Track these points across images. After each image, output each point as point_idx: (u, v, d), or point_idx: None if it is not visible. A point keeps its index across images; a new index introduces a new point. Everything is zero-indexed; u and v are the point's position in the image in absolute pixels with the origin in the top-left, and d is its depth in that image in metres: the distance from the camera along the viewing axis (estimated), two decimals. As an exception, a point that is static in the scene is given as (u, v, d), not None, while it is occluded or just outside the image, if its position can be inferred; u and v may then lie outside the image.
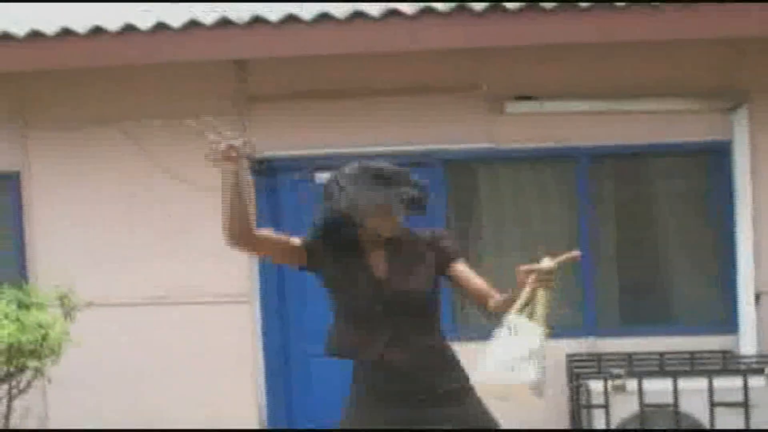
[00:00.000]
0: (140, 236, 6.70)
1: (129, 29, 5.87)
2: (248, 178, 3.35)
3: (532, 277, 3.04)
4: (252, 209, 3.32)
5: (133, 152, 6.67)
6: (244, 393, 6.69)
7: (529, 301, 3.10)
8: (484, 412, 3.38)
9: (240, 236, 3.26)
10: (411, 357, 3.24)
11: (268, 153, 6.52)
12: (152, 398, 6.67)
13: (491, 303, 3.24)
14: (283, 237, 3.34)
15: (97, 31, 5.88)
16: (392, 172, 3.28)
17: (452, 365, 3.37)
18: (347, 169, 3.29)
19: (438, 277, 3.35)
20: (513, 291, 3.12)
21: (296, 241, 3.35)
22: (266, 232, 3.36)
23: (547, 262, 3.09)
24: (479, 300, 3.30)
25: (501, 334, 3.10)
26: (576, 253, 3.13)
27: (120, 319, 6.67)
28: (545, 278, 3.04)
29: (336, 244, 3.32)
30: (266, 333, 6.72)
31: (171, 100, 6.63)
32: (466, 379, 3.33)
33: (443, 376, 3.31)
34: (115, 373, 6.68)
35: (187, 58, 6.10)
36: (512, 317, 3.09)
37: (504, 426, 3.53)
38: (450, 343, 3.45)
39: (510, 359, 3.03)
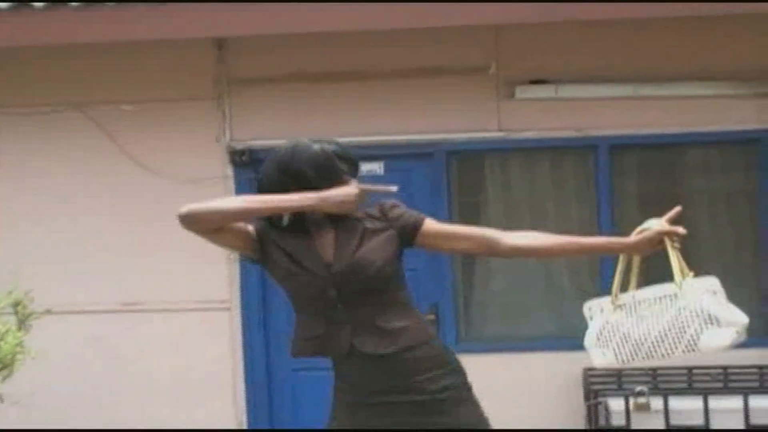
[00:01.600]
0: (108, 235, 6.63)
1: (94, 2, 5.74)
2: None
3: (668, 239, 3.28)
4: None
5: (100, 141, 6.60)
6: (224, 409, 6.64)
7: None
8: (480, 418, 3.29)
9: (210, 229, 3.20)
10: (384, 341, 3.15)
11: (251, 142, 6.52)
12: (122, 416, 6.60)
13: (552, 243, 3.33)
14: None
15: (57, 3, 5.74)
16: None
17: (441, 361, 3.25)
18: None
19: (399, 252, 3.27)
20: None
21: (249, 226, 3.27)
22: None
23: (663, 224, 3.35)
24: (491, 246, 3.27)
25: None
26: (678, 208, 3.37)
27: (85, 328, 6.60)
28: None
29: (279, 228, 3.25)
30: (248, 344, 6.68)
31: (143, 83, 6.58)
32: (464, 379, 3.27)
33: (433, 371, 3.20)
34: (80, 389, 6.61)
35: (160, 36, 6.06)
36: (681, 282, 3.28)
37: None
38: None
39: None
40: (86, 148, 6.61)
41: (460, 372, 3.28)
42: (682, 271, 3.26)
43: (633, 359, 3.26)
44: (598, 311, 3.35)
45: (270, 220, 3.24)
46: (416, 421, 3.16)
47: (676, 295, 3.22)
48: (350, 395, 3.25)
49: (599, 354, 3.30)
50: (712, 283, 3.26)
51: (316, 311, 3.23)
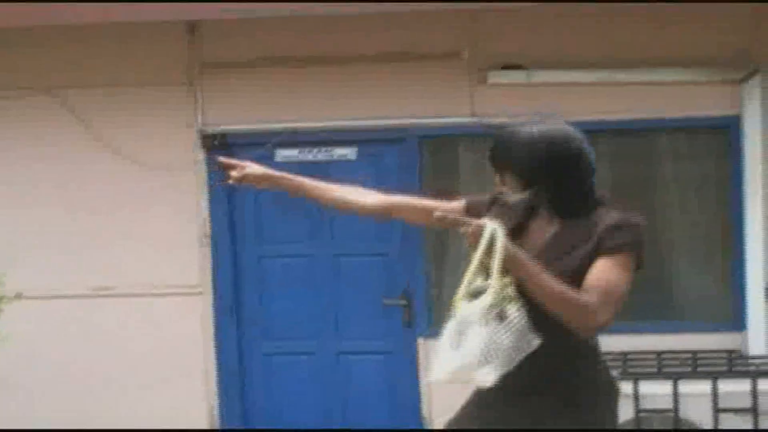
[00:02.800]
0: (79, 220, 6.57)
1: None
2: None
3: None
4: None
5: (71, 125, 6.53)
6: (196, 393, 6.61)
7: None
8: None
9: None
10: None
11: (224, 127, 6.49)
12: (93, 400, 6.57)
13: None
14: None
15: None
16: None
17: None
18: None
19: None
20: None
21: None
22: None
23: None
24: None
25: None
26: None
27: (56, 313, 6.56)
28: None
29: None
30: (220, 328, 6.63)
31: (114, 68, 6.51)
32: None
33: None
34: (51, 374, 6.57)
35: (131, 18, 5.99)
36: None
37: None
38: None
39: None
40: (57, 133, 6.53)
41: None
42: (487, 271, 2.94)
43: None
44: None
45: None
46: None
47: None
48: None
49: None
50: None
51: None
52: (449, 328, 2.95)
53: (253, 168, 3.52)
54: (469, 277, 2.96)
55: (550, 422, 3.09)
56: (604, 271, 2.99)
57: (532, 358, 2.90)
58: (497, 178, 3.24)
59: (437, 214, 3.03)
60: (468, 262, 2.99)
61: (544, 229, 3.16)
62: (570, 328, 2.96)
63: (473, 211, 3.33)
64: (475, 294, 2.94)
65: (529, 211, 3.21)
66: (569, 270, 3.01)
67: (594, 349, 3.20)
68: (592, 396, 3.16)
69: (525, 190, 3.14)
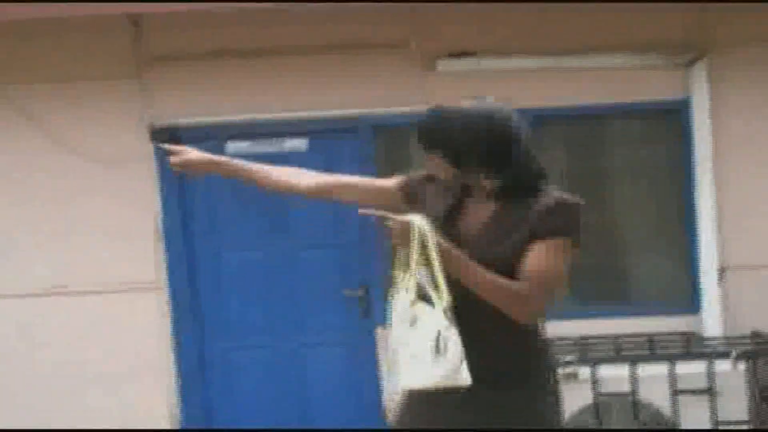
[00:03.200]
0: (28, 216, 6.46)
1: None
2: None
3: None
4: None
5: (17, 120, 6.41)
6: (155, 390, 6.53)
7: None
8: None
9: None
10: None
11: (173, 120, 6.40)
12: (50, 400, 6.48)
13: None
14: None
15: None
16: None
17: None
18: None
19: None
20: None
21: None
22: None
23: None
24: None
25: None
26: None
27: (9, 313, 6.47)
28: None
29: None
30: (177, 324, 6.56)
31: (60, 62, 6.40)
32: None
33: None
34: (7, 374, 6.48)
35: (73, 12, 5.88)
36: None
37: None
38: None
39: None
40: (5, 128, 6.41)
41: None
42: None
43: None
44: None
45: None
46: None
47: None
48: None
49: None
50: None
51: None
52: (425, 333, 2.86)
53: (194, 153, 3.45)
54: (410, 277, 2.93)
55: (502, 413, 3.05)
56: (538, 257, 2.98)
57: (479, 350, 2.89)
58: (430, 160, 3.18)
59: (361, 210, 3.05)
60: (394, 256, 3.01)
61: (479, 212, 3.13)
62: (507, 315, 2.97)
63: (408, 190, 3.34)
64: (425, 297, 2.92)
65: (465, 192, 3.18)
66: (505, 256, 3.00)
67: (539, 335, 3.18)
68: (542, 383, 3.15)
69: (459, 171, 3.11)
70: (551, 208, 3.01)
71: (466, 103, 3.15)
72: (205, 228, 6.55)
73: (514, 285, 2.94)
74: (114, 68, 6.36)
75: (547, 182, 3.12)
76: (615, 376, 5.59)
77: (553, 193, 3.06)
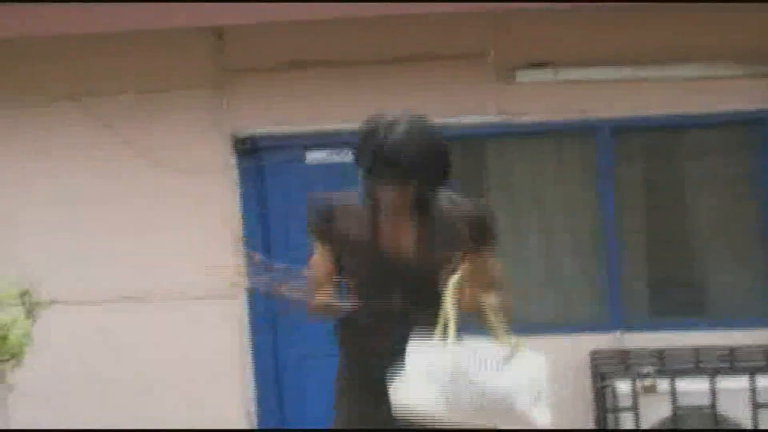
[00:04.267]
0: (111, 225, 6.56)
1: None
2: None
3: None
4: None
5: (99, 132, 6.52)
6: (232, 398, 6.59)
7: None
8: None
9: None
10: None
11: (252, 130, 6.47)
12: (128, 406, 6.55)
13: None
14: None
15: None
16: None
17: None
18: None
19: None
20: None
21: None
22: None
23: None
24: None
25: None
26: None
27: (91, 318, 6.53)
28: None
29: None
30: (255, 332, 6.62)
31: (143, 74, 6.51)
32: None
33: None
34: (86, 379, 6.54)
35: (158, 25, 6.01)
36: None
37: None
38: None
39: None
40: (87, 140, 6.51)
41: None
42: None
43: None
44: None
45: None
46: None
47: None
48: None
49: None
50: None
51: None
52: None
53: None
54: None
55: None
56: (493, 269, 3.03)
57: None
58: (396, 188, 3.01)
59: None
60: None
61: (401, 227, 3.09)
62: None
63: (326, 236, 3.19)
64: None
65: (377, 210, 3.09)
66: (438, 268, 3.02)
67: None
68: None
69: (411, 191, 3.00)
70: (478, 220, 2.94)
71: (396, 119, 3.02)
72: (283, 237, 6.60)
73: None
74: (195, 79, 6.45)
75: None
76: (694, 389, 5.58)
77: (461, 201, 3.08)
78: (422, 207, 3.07)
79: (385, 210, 3.07)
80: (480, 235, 2.93)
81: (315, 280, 3.18)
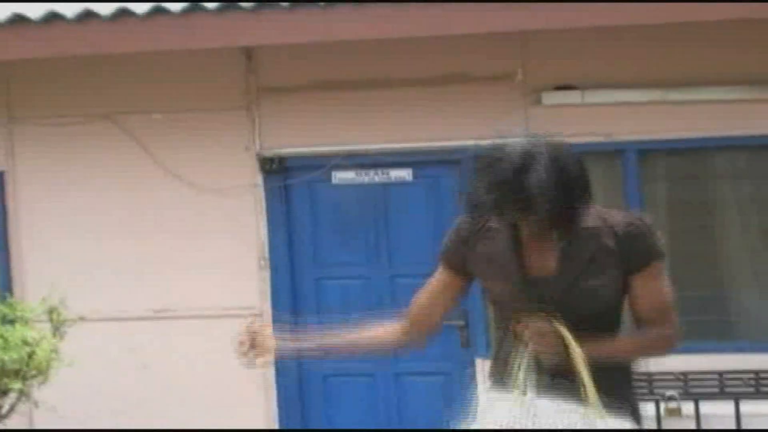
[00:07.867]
0: (139, 243, 6.64)
1: (124, 13, 5.77)
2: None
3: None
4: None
5: (130, 150, 6.61)
6: (256, 416, 6.62)
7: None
8: None
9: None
10: None
11: (281, 150, 6.52)
12: (153, 424, 6.56)
13: None
14: None
15: (89, 15, 5.79)
16: None
17: None
18: None
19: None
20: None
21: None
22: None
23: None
24: None
25: None
26: None
27: (117, 335, 6.61)
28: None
29: None
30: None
31: (173, 93, 6.59)
32: None
33: None
34: (112, 396, 6.60)
35: (188, 45, 6.02)
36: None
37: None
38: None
39: None
40: (118, 158, 6.61)
41: None
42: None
43: None
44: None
45: None
46: None
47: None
48: None
49: None
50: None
51: None
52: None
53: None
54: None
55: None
56: (652, 292, 2.91)
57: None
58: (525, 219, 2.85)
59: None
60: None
61: (543, 246, 2.93)
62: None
63: (458, 263, 3.14)
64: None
65: (515, 232, 2.96)
66: (601, 289, 2.87)
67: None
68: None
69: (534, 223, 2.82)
70: (633, 234, 2.88)
71: (528, 142, 2.92)
72: (309, 256, 6.64)
73: (651, 333, 2.90)
74: (224, 100, 6.52)
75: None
76: (719, 412, 5.52)
77: (613, 214, 2.95)
78: (565, 228, 2.88)
79: (526, 237, 2.93)
80: (636, 251, 2.88)
81: (417, 303, 3.25)
